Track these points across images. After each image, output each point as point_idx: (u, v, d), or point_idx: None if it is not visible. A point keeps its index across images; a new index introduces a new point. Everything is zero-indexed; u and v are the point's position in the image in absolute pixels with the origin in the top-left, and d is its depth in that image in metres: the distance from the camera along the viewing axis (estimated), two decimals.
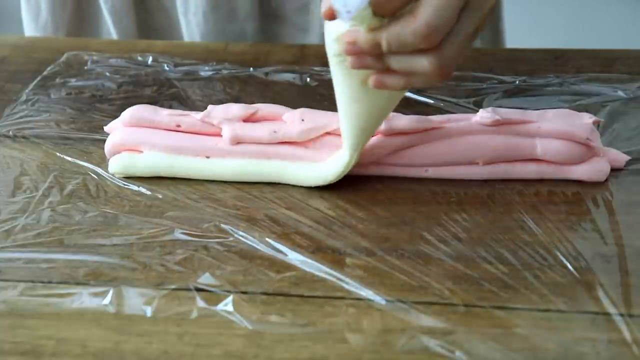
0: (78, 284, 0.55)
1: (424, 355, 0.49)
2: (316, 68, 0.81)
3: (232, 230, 0.59)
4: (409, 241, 0.58)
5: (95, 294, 0.54)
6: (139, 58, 0.83)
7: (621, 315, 0.51)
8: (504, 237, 0.58)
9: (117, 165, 0.65)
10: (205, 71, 0.81)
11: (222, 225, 0.60)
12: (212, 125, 0.65)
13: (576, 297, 0.53)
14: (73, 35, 0.95)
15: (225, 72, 0.81)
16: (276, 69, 0.81)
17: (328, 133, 0.65)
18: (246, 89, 0.78)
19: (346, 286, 0.54)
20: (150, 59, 0.83)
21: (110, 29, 0.93)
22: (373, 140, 0.64)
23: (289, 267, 0.56)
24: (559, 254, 0.56)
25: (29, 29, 0.96)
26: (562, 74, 0.78)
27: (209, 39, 0.91)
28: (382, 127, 0.63)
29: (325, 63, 0.81)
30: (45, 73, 0.81)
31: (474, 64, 0.81)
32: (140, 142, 0.65)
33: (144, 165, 0.65)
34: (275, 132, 0.65)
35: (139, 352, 0.50)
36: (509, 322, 0.51)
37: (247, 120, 0.66)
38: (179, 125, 0.66)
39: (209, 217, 0.61)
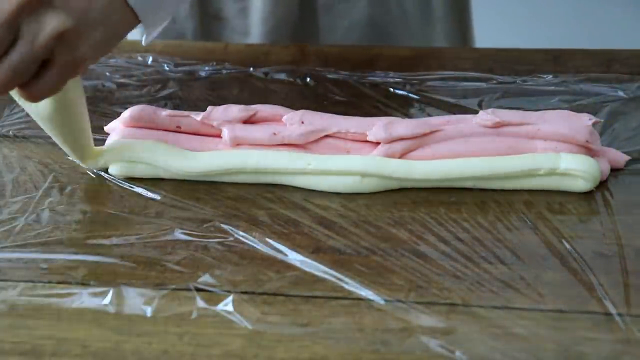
0: (78, 284, 0.55)
1: (424, 355, 0.49)
2: (316, 68, 0.80)
3: (232, 230, 0.59)
4: (409, 241, 0.58)
5: (95, 294, 0.54)
6: (139, 58, 0.83)
7: (621, 315, 0.51)
8: (504, 237, 0.58)
9: (117, 166, 0.65)
10: (205, 71, 0.81)
11: (222, 225, 0.60)
12: (212, 126, 0.66)
13: (576, 297, 0.53)
14: None
15: (225, 72, 0.81)
16: (276, 68, 0.81)
17: (328, 135, 0.65)
18: (246, 89, 0.78)
19: (346, 286, 0.54)
20: (150, 59, 0.83)
21: None
22: (375, 149, 0.64)
23: (289, 267, 0.56)
24: (559, 253, 0.56)
25: None
26: (562, 74, 0.77)
27: None
28: (382, 134, 0.63)
29: (325, 63, 0.82)
30: None
31: (473, 64, 0.81)
32: None
33: (144, 167, 0.65)
34: (275, 134, 0.65)
35: (139, 352, 0.50)
36: (509, 322, 0.51)
37: (247, 121, 0.66)
38: (179, 127, 0.66)
39: (209, 217, 0.61)
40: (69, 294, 0.54)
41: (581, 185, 0.62)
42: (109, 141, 0.66)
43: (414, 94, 0.75)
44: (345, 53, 0.85)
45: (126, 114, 0.67)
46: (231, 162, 0.64)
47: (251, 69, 0.81)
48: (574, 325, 0.51)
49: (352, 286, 0.54)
